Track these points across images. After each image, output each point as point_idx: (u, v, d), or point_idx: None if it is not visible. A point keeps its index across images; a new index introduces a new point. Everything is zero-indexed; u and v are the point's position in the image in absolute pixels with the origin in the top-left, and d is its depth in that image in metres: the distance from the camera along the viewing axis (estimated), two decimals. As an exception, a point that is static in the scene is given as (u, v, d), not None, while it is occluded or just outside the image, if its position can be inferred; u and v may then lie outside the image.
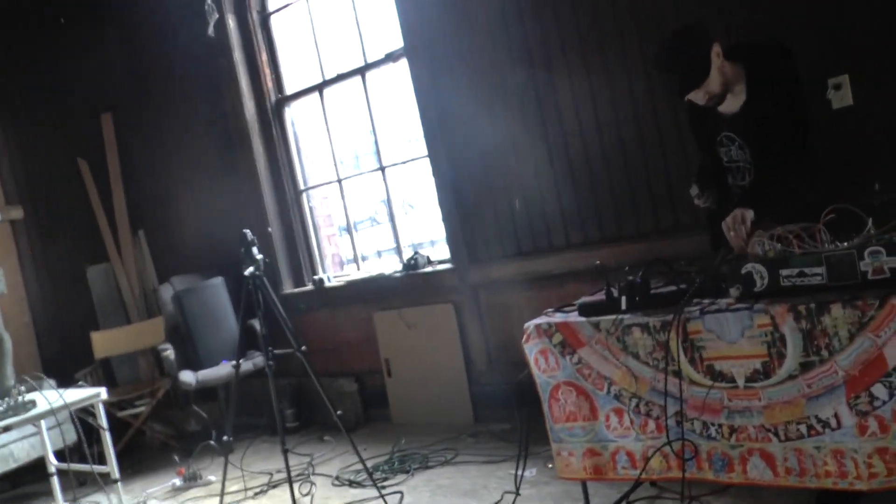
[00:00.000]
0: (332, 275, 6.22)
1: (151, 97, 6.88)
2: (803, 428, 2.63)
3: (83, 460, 4.49)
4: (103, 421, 4.27)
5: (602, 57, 4.41)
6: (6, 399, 4.01)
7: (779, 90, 3.07)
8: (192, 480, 5.16)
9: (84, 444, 4.19)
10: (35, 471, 5.45)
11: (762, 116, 3.07)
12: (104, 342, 6.51)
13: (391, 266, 5.81)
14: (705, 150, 3.44)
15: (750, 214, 2.92)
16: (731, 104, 3.19)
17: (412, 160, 5.62)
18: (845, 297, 2.50)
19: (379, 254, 6.23)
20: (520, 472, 3.57)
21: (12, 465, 5.34)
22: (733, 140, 3.23)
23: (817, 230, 2.63)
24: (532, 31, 4.64)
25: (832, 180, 3.37)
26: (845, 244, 2.55)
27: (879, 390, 2.47)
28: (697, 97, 3.13)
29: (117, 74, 7.01)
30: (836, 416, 2.56)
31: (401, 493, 4.23)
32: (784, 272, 2.62)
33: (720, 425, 2.81)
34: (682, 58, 3.07)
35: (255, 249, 3.97)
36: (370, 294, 5.75)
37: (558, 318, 3.19)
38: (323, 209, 6.42)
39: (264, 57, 6.26)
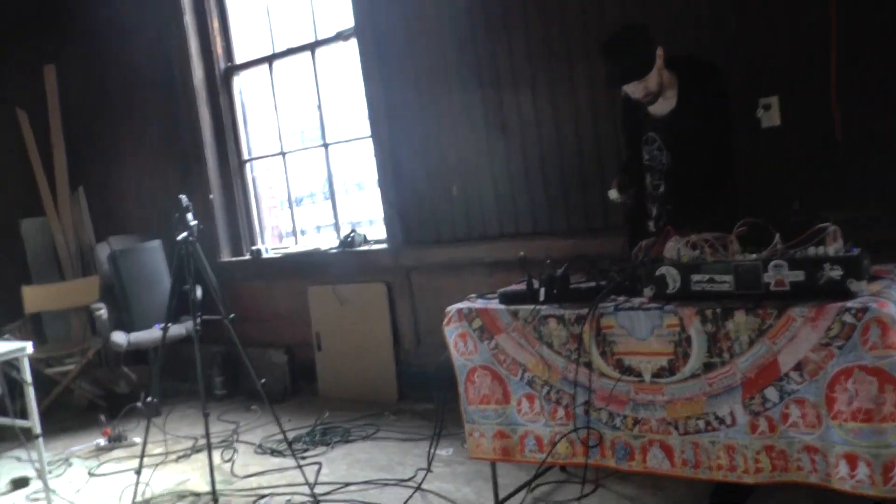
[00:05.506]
0: (270, 246, 6.25)
1: (98, 53, 6.82)
2: (701, 423, 2.80)
3: (4, 414, 4.47)
4: (27, 375, 4.11)
5: (548, 57, 4.50)
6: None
7: (707, 105, 3.22)
8: (116, 441, 5.18)
9: (6, 398, 4.13)
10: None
11: (687, 126, 3.24)
12: (36, 297, 6.42)
13: (328, 242, 5.86)
14: (630, 145, 3.58)
15: None
16: (662, 107, 3.33)
17: (356, 140, 5.68)
18: (749, 305, 2.66)
19: (318, 229, 6.27)
20: (433, 450, 3.69)
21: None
22: (655, 141, 3.39)
23: (729, 241, 2.79)
24: (480, 24, 4.71)
25: (757, 194, 3.53)
26: (753, 256, 2.71)
27: (772, 393, 2.65)
28: (636, 90, 3.26)
29: (62, 25, 6.92)
30: (731, 414, 2.74)
31: (319, 464, 4.32)
32: (695, 277, 2.77)
33: (625, 416, 2.96)
34: (629, 48, 3.21)
35: (189, 216, 3.94)
36: (306, 268, 5.82)
37: (479, 303, 3.31)
38: (265, 181, 6.44)
39: (216, 23, 6.24)
